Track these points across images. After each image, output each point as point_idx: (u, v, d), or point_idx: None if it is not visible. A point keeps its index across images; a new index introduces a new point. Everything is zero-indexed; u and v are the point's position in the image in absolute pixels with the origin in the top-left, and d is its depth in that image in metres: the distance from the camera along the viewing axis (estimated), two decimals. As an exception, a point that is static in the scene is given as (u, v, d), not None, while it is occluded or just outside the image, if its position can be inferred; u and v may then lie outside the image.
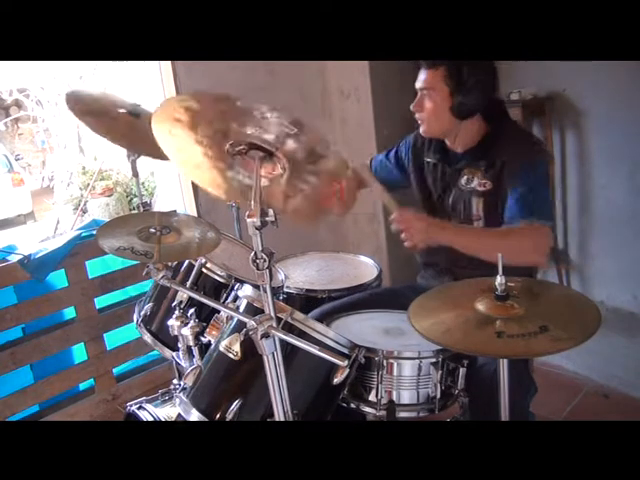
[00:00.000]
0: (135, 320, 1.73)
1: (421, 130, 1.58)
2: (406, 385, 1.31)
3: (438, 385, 1.31)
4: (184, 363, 1.55)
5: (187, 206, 2.62)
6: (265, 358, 1.06)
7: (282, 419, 1.10)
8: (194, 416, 1.25)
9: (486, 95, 1.49)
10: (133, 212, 7.17)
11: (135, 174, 1.74)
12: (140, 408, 1.58)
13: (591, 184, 2.68)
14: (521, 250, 1.38)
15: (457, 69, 1.44)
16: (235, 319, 1.30)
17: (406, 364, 1.31)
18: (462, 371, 1.31)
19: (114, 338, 2.47)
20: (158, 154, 1.05)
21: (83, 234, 2.30)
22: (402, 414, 1.31)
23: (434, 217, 1.64)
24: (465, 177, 1.55)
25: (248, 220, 1.00)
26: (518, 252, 1.36)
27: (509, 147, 1.49)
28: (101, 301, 2.43)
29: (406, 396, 1.32)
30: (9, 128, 11.36)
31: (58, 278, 2.29)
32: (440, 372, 1.30)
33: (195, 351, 1.51)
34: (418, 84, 1.52)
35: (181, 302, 1.57)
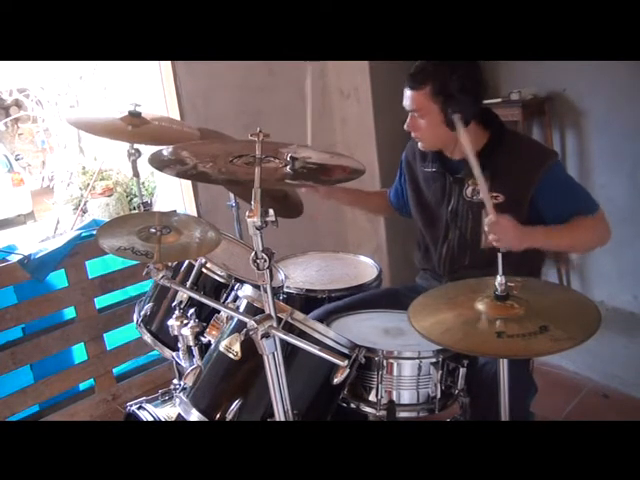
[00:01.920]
0: (135, 320, 1.73)
1: (420, 146, 1.58)
2: (406, 385, 1.31)
3: (438, 385, 1.31)
4: (184, 363, 1.55)
5: (187, 206, 2.62)
6: (265, 358, 1.06)
7: (282, 419, 1.10)
8: (194, 416, 1.25)
9: (476, 101, 1.48)
10: (133, 212, 7.16)
11: (135, 174, 1.74)
12: (140, 408, 1.58)
13: (591, 184, 2.67)
14: (591, 240, 1.51)
15: (442, 84, 1.43)
16: (235, 319, 1.30)
17: (406, 364, 1.31)
18: (462, 371, 1.30)
19: (114, 338, 2.47)
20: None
21: (83, 234, 2.30)
22: (402, 414, 1.31)
23: (432, 226, 1.66)
24: (470, 188, 1.54)
25: (248, 220, 1.00)
26: (589, 242, 1.52)
27: (517, 159, 1.49)
28: (101, 301, 2.43)
29: (406, 396, 1.32)
30: (9, 128, 11.35)
31: (58, 278, 2.29)
32: (440, 372, 1.30)
33: (195, 351, 1.50)
34: (407, 106, 1.51)
35: (181, 302, 1.57)
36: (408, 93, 1.49)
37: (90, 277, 2.35)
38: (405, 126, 1.55)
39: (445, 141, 1.54)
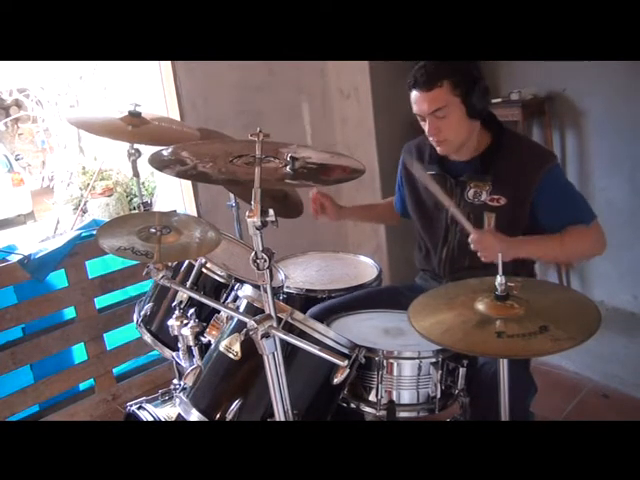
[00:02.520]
0: (135, 320, 1.73)
1: (440, 150, 1.55)
2: (406, 385, 1.31)
3: (438, 385, 1.31)
4: (184, 363, 1.55)
5: (187, 206, 2.62)
6: (265, 358, 1.06)
7: (282, 419, 1.10)
8: (194, 416, 1.25)
9: (487, 93, 1.49)
10: (133, 212, 7.16)
11: (135, 174, 1.74)
12: (140, 408, 1.58)
13: (591, 185, 2.68)
14: (584, 250, 1.52)
15: (460, 76, 1.44)
16: (235, 319, 1.30)
17: (406, 364, 1.31)
18: (462, 371, 1.30)
19: (114, 338, 2.47)
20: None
21: (83, 234, 2.30)
22: (402, 414, 1.31)
23: (431, 229, 1.66)
24: (472, 190, 1.54)
25: (248, 220, 1.00)
26: (581, 253, 1.53)
27: (518, 161, 1.49)
28: (101, 301, 2.43)
29: (406, 396, 1.32)
30: (9, 128, 11.36)
31: (58, 278, 2.29)
32: (440, 372, 1.30)
33: (195, 351, 1.51)
34: (425, 110, 1.47)
35: (181, 302, 1.57)
36: (424, 96, 1.46)
37: (90, 277, 2.35)
38: (427, 132, 1.52)
39: (468, 137, 1.52)
